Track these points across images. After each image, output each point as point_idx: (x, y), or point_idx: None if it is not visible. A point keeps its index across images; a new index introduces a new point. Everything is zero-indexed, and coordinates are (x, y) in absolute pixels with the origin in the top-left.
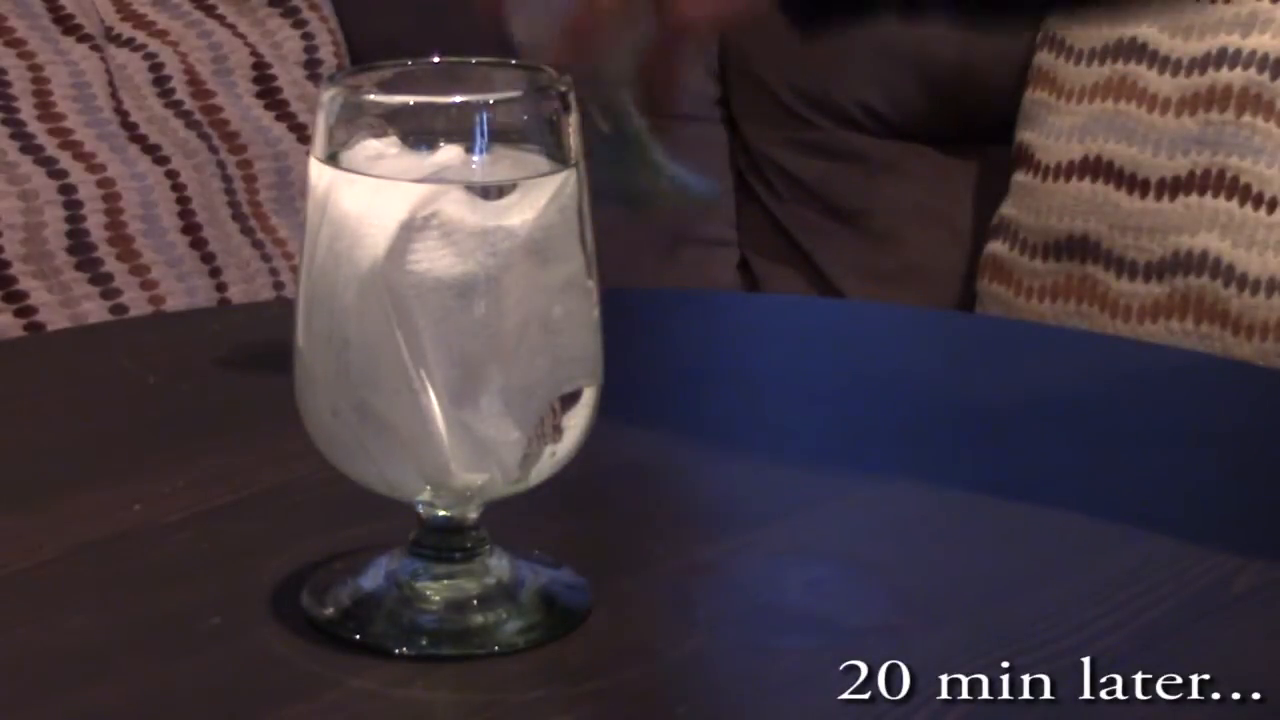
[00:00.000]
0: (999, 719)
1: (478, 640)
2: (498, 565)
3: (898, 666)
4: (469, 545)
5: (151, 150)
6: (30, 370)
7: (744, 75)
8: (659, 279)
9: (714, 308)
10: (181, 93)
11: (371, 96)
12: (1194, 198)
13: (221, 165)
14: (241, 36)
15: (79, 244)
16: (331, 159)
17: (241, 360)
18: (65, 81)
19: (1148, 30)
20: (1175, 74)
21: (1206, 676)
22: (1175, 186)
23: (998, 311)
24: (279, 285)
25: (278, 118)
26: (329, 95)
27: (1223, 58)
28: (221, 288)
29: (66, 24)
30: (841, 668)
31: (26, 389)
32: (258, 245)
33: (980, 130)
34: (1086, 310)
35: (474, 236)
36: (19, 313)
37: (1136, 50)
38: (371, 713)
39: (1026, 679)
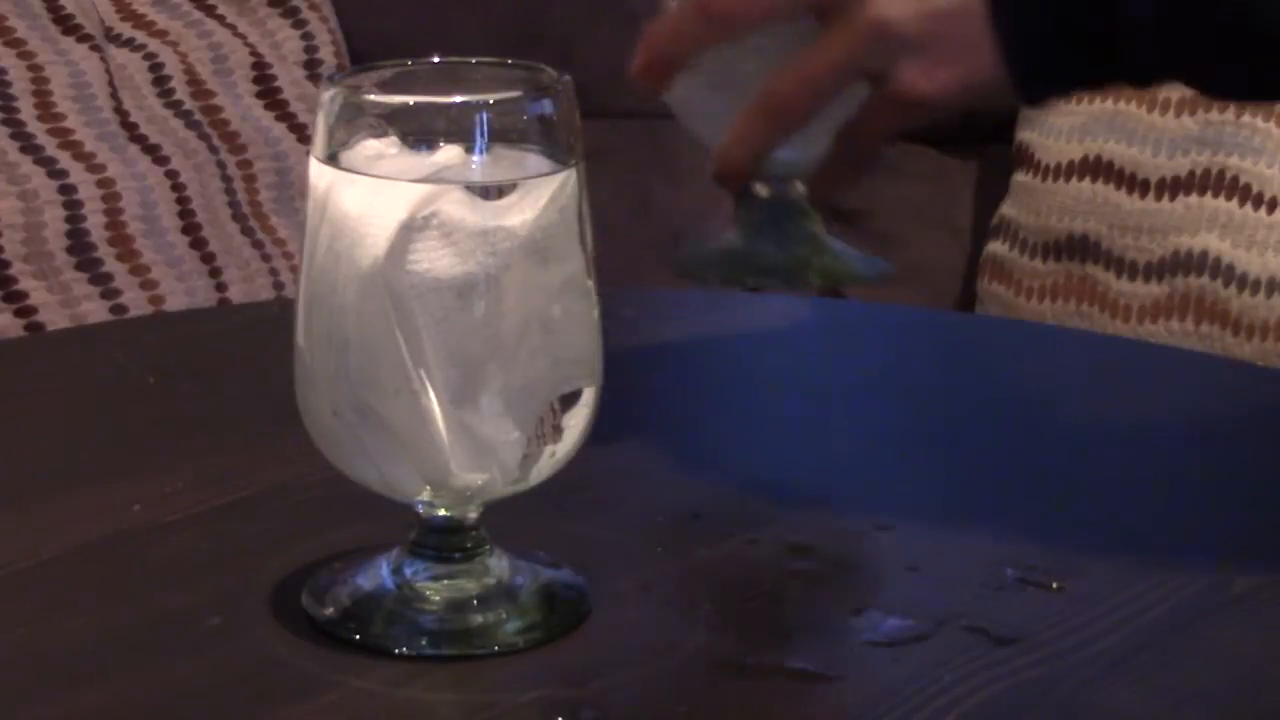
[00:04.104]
0: (999, 719)
1: (478, 640)
2: (498, 565)
3: (898, 666)
4: (469, 545)
5: (151, 150)
6: (30, 370)
7: None
8: (659, 279)
9: (714, 308)
10: (181, 93)
11: (371, 96)
12: (1194, 198)
13: (221, 165)
14: (241, 36)
15: (79, 244)
16: (331, 159)
17: (241, 360)
18: (65, 81)
19: None
20: None
21: (1205, 676)
22: (1175, 186)
23: (998, 311)
24: (279, 285)
25: (278, 118)
26: (329, 95)
27: None
28: (221, 288)
29: (66, 24)
30: (842, 668)
31: (26, 389)
32: (258, 245)
33: (980, 130)
34: (1086, 310)
35: (474, 236)
36: (19, 313)
37: None
38: (371, 713)
39: (1027, 679)
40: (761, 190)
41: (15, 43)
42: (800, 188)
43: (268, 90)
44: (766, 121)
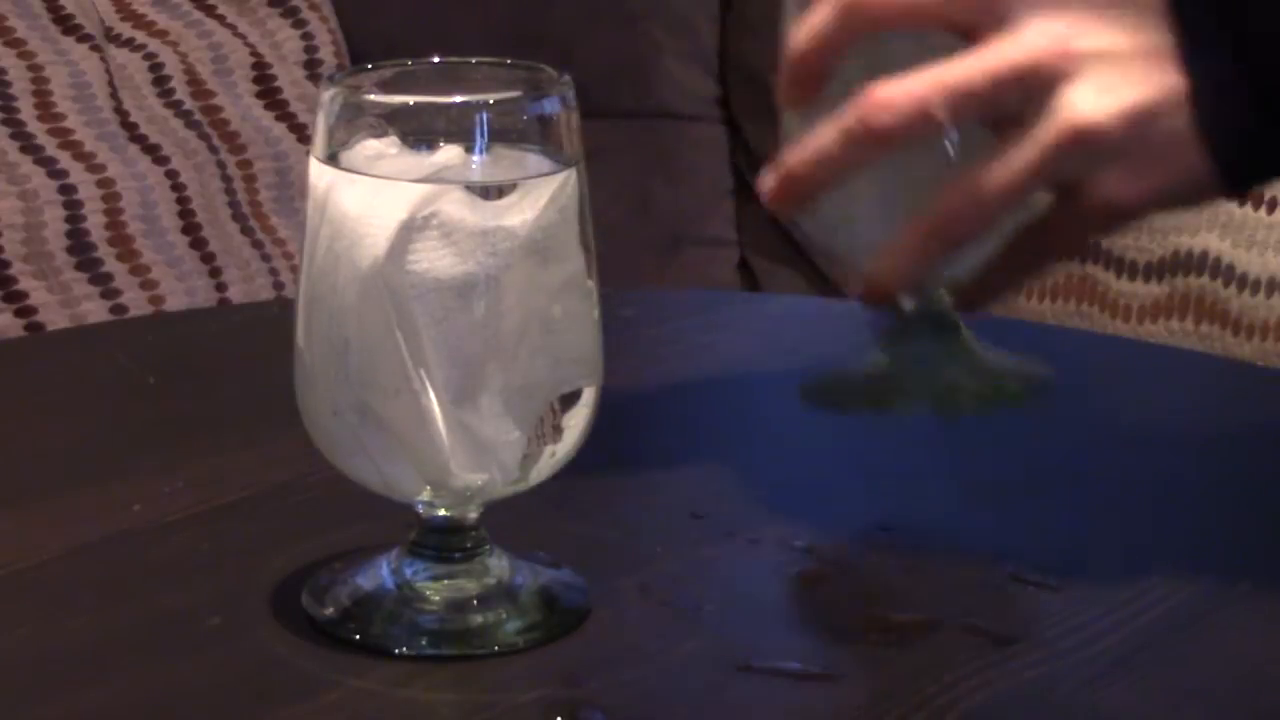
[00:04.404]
0: (999, 719)
1: (478, 640)
2: (498, 565)
3: (899, 666)
4: (469, 545)
5: (151, 150)
6: (30, 370)
7: (744, 75)
8: (659, 279)
9: (714, 308)
10: (181, 93)
11: (371, 96)
12: None
13: (221, 165)
14: (241, 36)
15: (79, 244)
16: (331, 159)
17: (241, 360)
18: (65, 81)
19: None
20: None
21: (1205, 676)
22: None
23: (998, 311)
24: (279, 285)
25: (278, 118)
26: (329, 95)
27: None
28: (221, 288)
29: (66, 24)
30: (841, 668)
31: (26, 389)
32: (258, 245)
33: None
34: (1086, 310)
35: (474, 236)
36: (19, 313)
37: None
38: (371, 713)
39: (1027, 679)
40: (906, 303)
41: (15, 43)
42: (946, 297)
43: (268, 90)
44: (936, 240)
